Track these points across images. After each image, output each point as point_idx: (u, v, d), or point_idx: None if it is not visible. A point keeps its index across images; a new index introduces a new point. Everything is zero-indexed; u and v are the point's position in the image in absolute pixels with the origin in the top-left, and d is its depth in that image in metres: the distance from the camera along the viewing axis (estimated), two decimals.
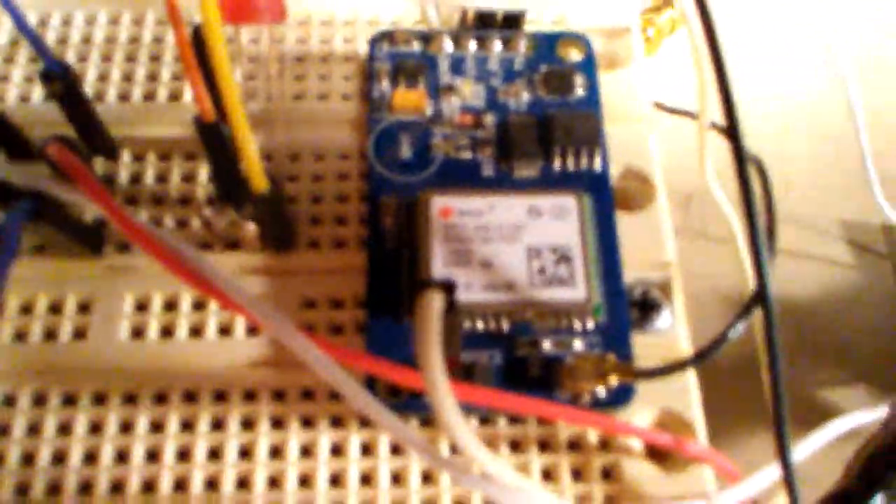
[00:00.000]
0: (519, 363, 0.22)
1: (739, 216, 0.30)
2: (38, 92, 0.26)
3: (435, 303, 0.16)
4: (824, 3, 0.29)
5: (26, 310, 0.23)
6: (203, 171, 0.25)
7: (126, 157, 0.25)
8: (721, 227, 0.34)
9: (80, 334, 0.23)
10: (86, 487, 0.21)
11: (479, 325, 0.22)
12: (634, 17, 0.29)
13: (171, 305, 0.23)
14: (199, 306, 0.23)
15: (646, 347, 0.23)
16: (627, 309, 0.23)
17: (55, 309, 0.23)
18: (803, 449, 0.24)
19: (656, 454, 0.22)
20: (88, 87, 0.26)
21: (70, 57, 0.27)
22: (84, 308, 0.23)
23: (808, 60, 0.32)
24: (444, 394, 0.16)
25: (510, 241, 0.23)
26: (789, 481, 0.20)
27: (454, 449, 0.21)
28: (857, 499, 0.29)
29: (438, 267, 0.22)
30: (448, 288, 0.17)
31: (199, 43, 0.21)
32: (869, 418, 0.30)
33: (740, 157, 0.19)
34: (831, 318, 0.37)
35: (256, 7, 0.19)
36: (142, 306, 0.23)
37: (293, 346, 0.17)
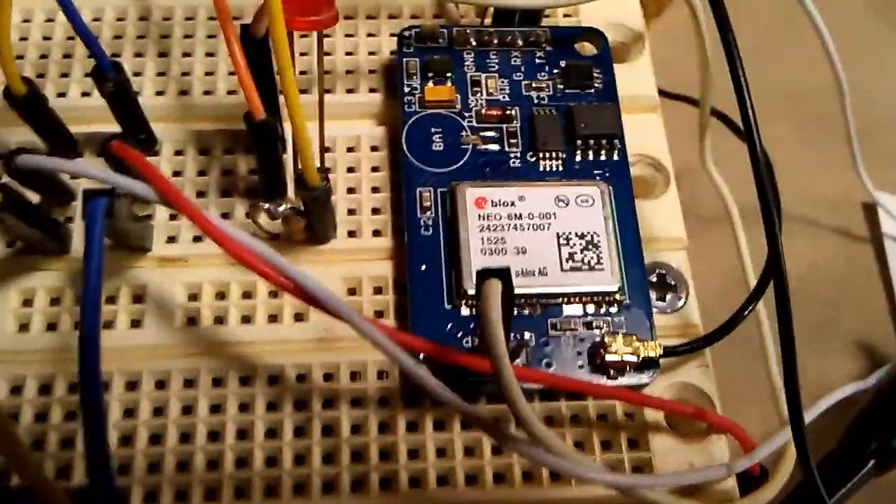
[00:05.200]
0: (552, 344, 0.23)
1: (733, 196, 0.32)
2: (75, 88, 0.27)
3: (496, 290, 0.18)
4: None
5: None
6: (243, 165, 0.26)
7: (167, 151, 0.26)
8: (711, 204, 0.36)
9: (135, 323, 0.24)
10: (154, 466, 0.22)
11: (515, 309, 0.23)
12: (638, 12, 0.31)
13: (221, 294, 0.24)
14: (247, 295, 0.24)
15: (662, 325, 0.25)
16: (649, 291, 0.25)
17: (110, 300, 0.24)
18: (806, 416, 0.26)
19: (673, 425, 0.24)
20: None
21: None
22: (138, 298, 0.24)
23: (794, 39, 0.33)
24: (508, 371, 0.17)
25: (541, 229, 0.24)
26: (801, 441, 0.22)
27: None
28: (851, 463, 0.31)
29: (477, 255, 0.23)
30: (505, 275, 0.18)
31: (246, 42, 0.22)
32: (859, 389, 0.32)
33: (755, 155, 0.21)
34: (818, 294, 0.39)
35: (317, 16, 0.20)
36: (193, 295, 0.24)
37: (366, 334, 0.18)
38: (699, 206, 0.41)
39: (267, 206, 0.22)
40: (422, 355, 0.22)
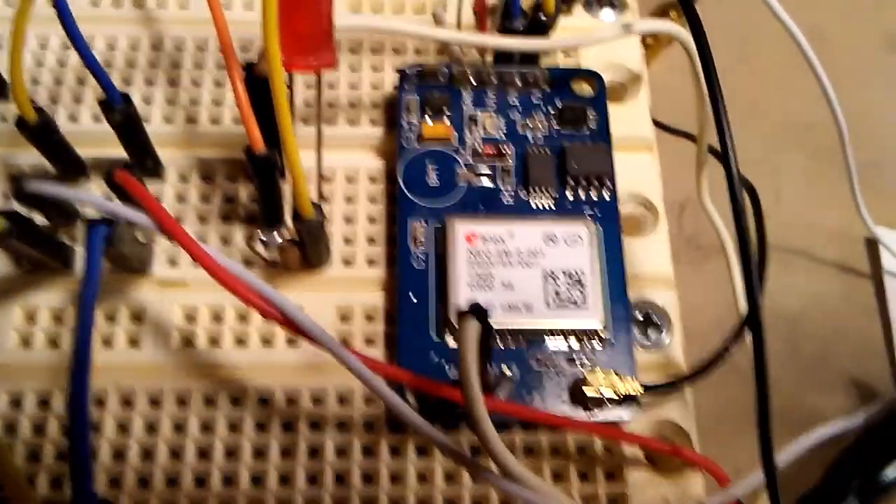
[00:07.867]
0: (534, 378, 0.24)
1: (731, 233, 0.32)
2: (86, 113, 0.28)
3: (473, 329, 0.19)
4: (812, 16, 0.30)
5: None
6: (244, 192, 0.27)
7: (172, 177, 0.27)
8: (712, 236, 0.37)
9: (133, 342, 0.25)
10: (143, 481, 0.23)
11: (500, 343, 0.24)
12: (639, 53, 0.31)
13: (217, 317, 0.25)
14: (242, 318, 0.25)
15: (646, 362, 0.26)
16: (632, 329, 0.25)
17: (110, 319, 0.25)
18: (786, 454, 0.27)
19: (651, 459, 0.25)
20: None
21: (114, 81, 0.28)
22: (137, 318, 0.25)
23: (796, 76, 0.33)
24: (481, 409, 0.18)
25: (528, 266, 0.25)
26: (772, 487, 0.22)
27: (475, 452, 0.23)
28: (832, 499, 0.32)
29: (464, 289, 0.24)
30: (482, 314, 0.19)
31: (251, 79, 0.23)
32: (847, 426, 0.32)
33: (736, 203, 0.21)
34: (815, 328, 0.40)
35: (316, 58, 0.21)
36: (190, 317, 0.25)
37: (348, 364, 0.19)
38: (700, 238, 0.42)
39: (263, 237, 0.23)
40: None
